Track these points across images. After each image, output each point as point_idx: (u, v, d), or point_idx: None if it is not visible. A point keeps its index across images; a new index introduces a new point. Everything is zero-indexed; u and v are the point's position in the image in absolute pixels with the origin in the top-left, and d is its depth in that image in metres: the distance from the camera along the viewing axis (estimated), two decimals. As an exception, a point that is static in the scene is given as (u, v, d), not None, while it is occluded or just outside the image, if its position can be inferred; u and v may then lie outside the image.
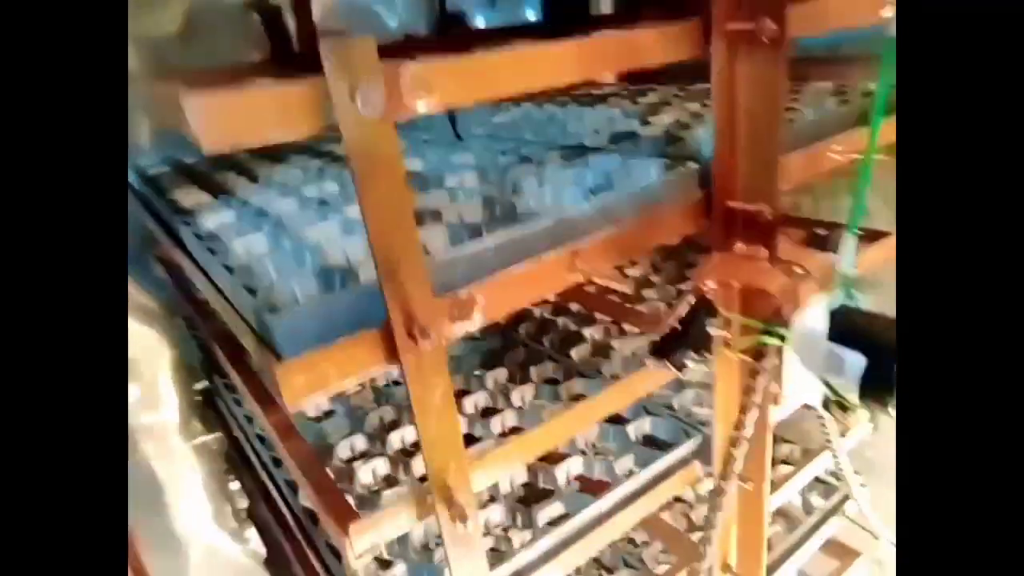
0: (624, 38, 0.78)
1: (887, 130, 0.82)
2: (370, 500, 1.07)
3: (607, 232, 0.84)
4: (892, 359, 0.80)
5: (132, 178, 1.50)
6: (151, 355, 1.97)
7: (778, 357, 0.92)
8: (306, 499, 1.09)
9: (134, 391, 1.95)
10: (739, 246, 0.95)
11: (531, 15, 2.58)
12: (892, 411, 0.82)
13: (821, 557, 1.60)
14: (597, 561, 1.67)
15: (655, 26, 0.81)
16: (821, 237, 1.14)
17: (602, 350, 1.45)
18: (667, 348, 0.88)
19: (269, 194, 1.05)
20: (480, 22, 2.56)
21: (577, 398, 1.33)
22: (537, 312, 1.65)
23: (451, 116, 1.44)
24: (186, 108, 0.52)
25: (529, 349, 1.50)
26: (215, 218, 0.98)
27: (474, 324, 0.75)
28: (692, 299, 0.89)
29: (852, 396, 0.86)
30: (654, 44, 0.81)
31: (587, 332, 1.52)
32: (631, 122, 1.29)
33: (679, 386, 1.32)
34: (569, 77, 0.75)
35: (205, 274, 0.87)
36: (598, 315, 1.54)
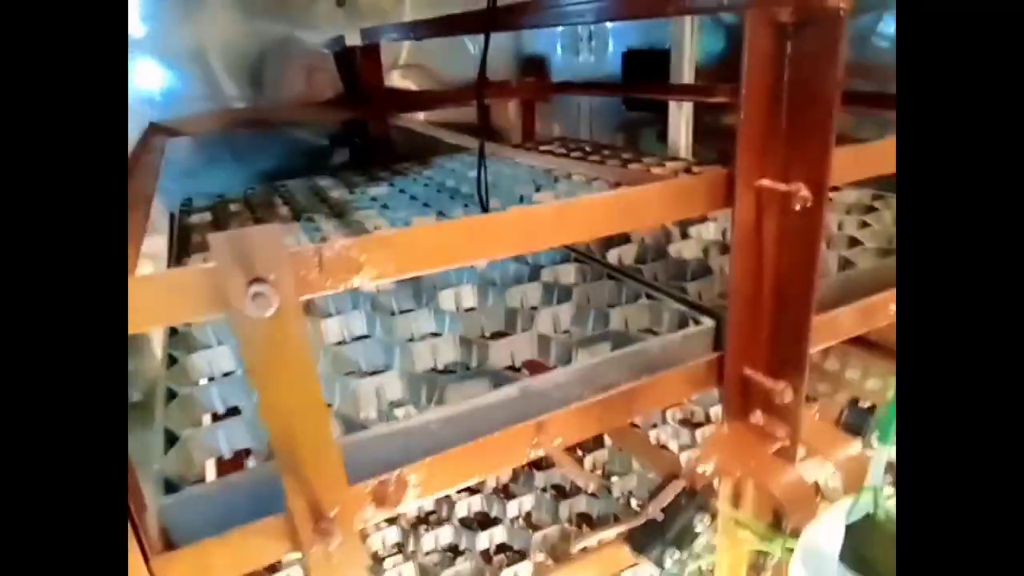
0: (622, 198, 0.67)
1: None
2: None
3: (583, 402, 0.73)
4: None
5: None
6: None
7: (780, 568, 0.78)
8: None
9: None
10: (756, 416, 0.82)
11: (616, 58, 2.48)
12: None
13: None
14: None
15: (667, 183, 0.70)
16: (861, 413, 0.97)
17: (620, 461, 1.33)
18: (645, 540, 0.76)
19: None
20: (560, 66, 2.49)
21: (578, 519, 1.22)
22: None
23: (480, 191, 1.36)
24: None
25: (542, 446, 1.39)
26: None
27: (406, 506, 0.67)
28: (680, 486, 0.76)
29: (861, 640, 0.71)
30: (663, 202, 0.70)
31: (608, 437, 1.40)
32: (668, 231, 1.16)
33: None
34: (546, 245, 0.65)
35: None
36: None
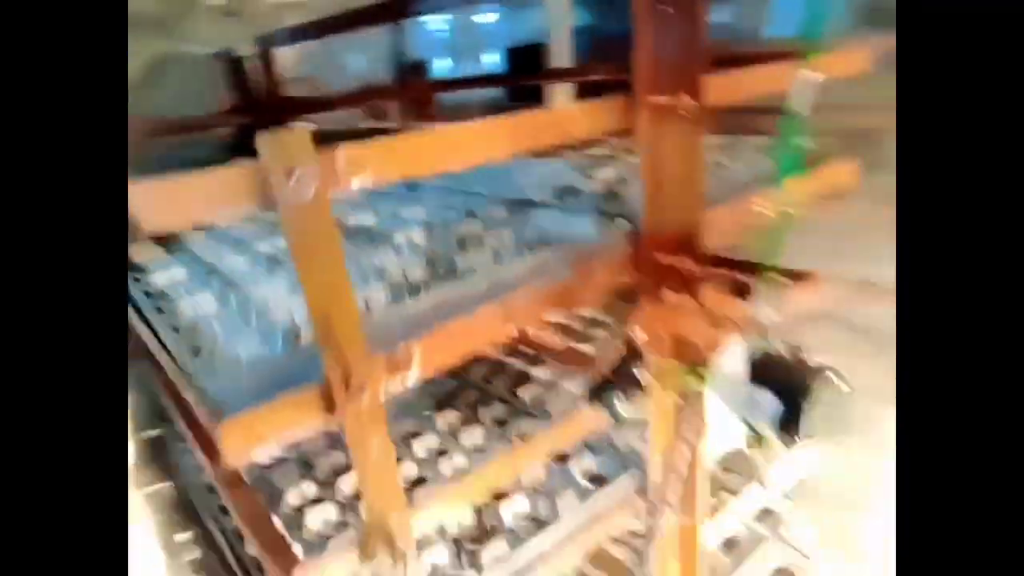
0: (552, 114, 0.85)
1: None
2: (320, 546, 1.09)
3: (539, 288, 0.90)
4: (799, 398, 0.89)
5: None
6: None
7: (701, 395, 0.99)
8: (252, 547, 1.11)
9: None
10: (667, 293, 1.03)
11: (487, 64, 2.70)
12: (800, 441, 0.90)
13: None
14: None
15: (589, 103, 0.89)
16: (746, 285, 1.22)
17: (551, 389, 1.50)
18: (599, 393, 0.94)
19: (222, 250, 1.09)
20: (441, 69, 2.66)
21: (525, 438, 1.37)
22: (490, 354, 1.70)
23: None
24: (131, 195, 0.57)
25: (481, 391, 1.54)
26: (166, 275, 1.01)
27: (412, 376, 0.80)
28: (621, 347, 0.95)
29: (767, 432, 0.93)
30: (582, 119, 0.89)
31: (536, 372, 1.57)
32: (575, 176, 1.37)
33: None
34: (499, 153, 0.81)
35: (153, 331, 0.90)
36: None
